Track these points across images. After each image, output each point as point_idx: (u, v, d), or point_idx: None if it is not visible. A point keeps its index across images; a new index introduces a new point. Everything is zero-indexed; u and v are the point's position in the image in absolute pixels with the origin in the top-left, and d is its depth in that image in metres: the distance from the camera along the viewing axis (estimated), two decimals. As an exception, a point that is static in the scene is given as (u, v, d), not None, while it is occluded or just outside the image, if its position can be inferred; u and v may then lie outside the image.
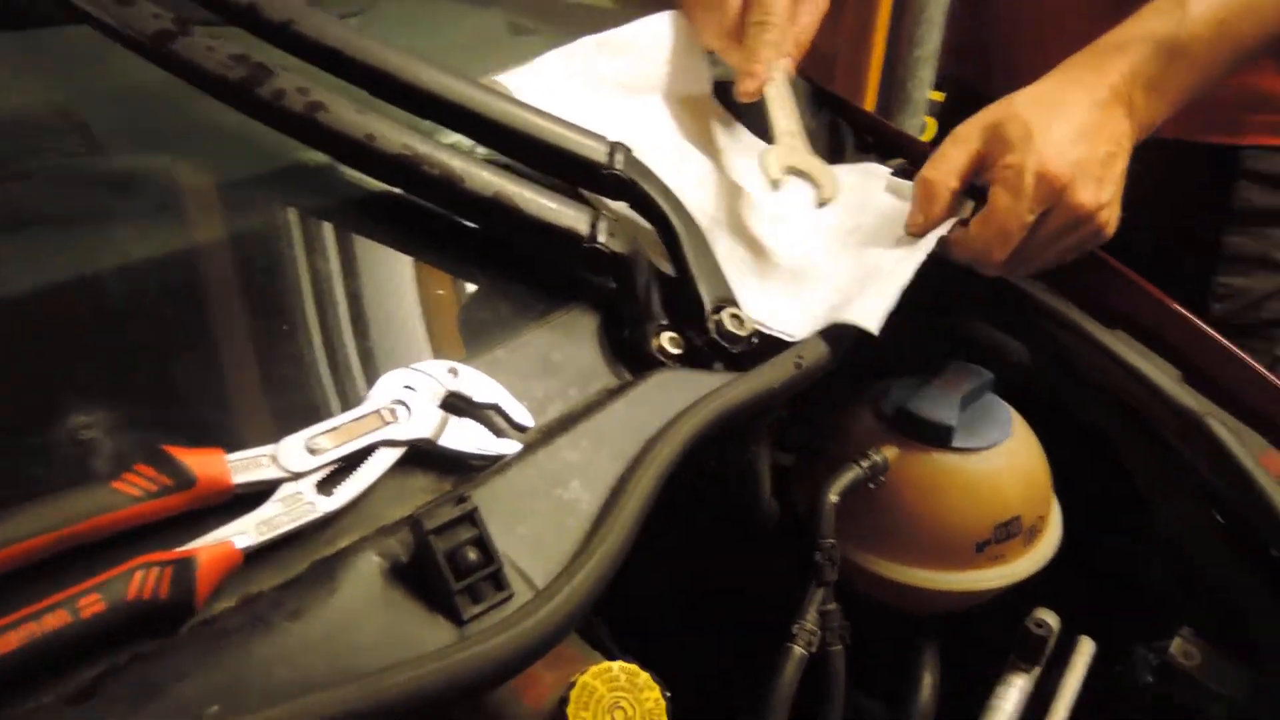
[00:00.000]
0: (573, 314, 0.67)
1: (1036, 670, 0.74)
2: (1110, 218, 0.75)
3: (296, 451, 0.50)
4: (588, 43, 0.85)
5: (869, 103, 1.90)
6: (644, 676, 0.54)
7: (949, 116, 1.31)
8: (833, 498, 0.70)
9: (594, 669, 0.54)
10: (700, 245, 0.71)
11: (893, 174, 0.85)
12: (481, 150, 0.72)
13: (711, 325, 0.67)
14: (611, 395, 0.62)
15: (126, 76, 0.71)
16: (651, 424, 0.59)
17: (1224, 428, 0.73)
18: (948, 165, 0.74)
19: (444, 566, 0.48)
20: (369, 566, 0.48)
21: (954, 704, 0.77)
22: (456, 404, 0.56)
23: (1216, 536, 0.77)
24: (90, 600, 0.42)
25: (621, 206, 0.73)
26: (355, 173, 0.68)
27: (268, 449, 0.50)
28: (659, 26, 0.88)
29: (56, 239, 0.63)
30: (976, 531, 0.73)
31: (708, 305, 0.68)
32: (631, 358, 0.66)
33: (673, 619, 0.84)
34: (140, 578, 0.43)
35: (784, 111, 0.82)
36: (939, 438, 0.73)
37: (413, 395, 0.55)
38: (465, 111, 0.69)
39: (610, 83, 0.84)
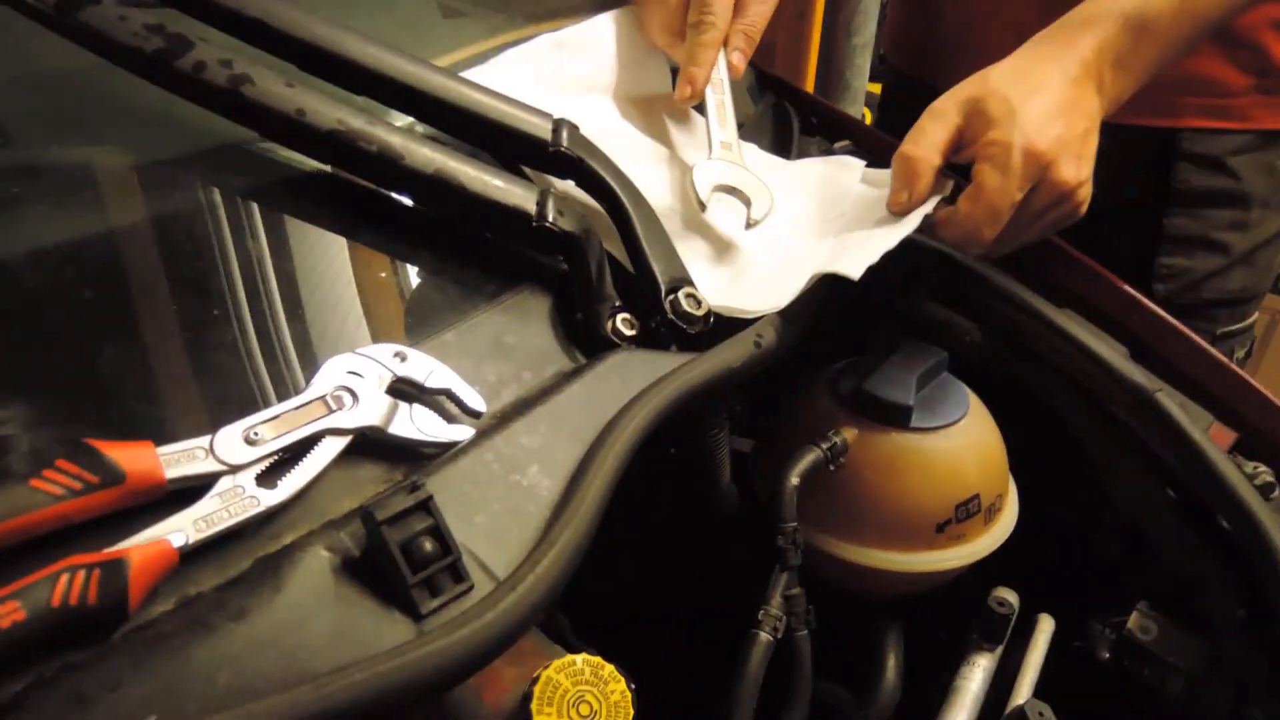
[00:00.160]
0: (524, 295, 0.65)
1: (999, 649, 0.73)
2: (1087, 196, 0.75)
3: (234, 443, 0.47)
4: (544, 41, 0.83)
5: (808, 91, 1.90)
6: (609, 669, 0.53)
7: (888, 107, 1.32)
8: (794, 480, 0.69)
9: (557, 663, 0.52)
10: (653, 224, 0.69)
11: (847, 160, 0.85)
12: (422, 127, 0.69)
13: (667, 306, 0.66)
14: (567, 378, 0.60)
15: (28, 52, 0.66)
16: (610, 406, 0.57)
17: (1174, 403, 0.74)
18: (928, 141, 0.74)
19: (399, 558, 0.45)
20: (317, 562, 0.46)
21: (917, 684, 0.76)
22: (405, 390, 0.54)
23: (1168, 510, 0.77)
24: (9, 609, 0.39)
25: (569, 186, 0.71)
26: (286, 150, 0.65)
27: (202, 440, 0.47)
28: (616, 23, 0.87)
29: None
30: (937, 511, 0.72)
31: (663, 286, 0.66)
32: (585, 339, 0.64)
33: (634, 609, 0.82)
34: (66, 582, 0.40)
35: (720, 119, 0.81)
36: (897, 418, 0.73)
37: (359, 381, 0.52)
38: (401, 86, 0.66)
39: (570, 82, 0.83)
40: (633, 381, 0.59)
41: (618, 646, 0.59)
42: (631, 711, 0.51)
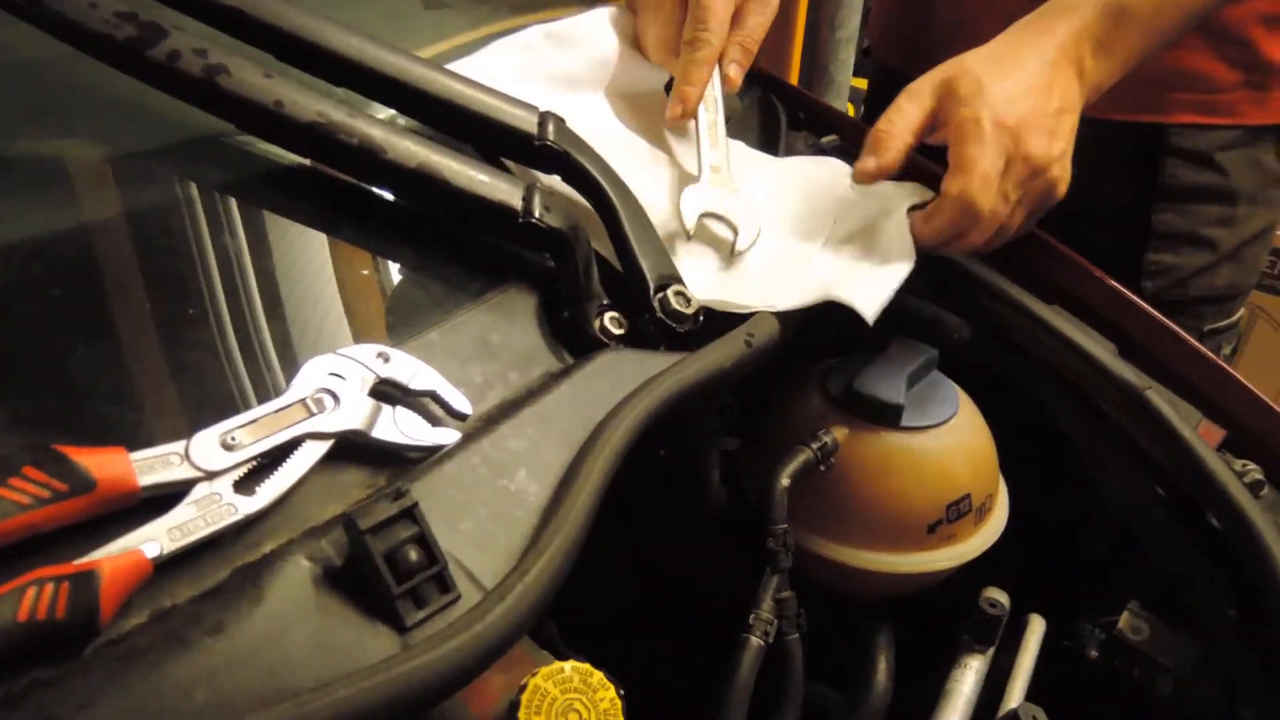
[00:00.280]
0: (509, 294, 0.63)
1: (991, 651, 0.73)
2: (1063, 174, 0.75)
3: (210, 447, 0.46)
4: (535, 32, 0.81)
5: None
6: (597, 676, 0.51)
7: (875, 102, 1.31)
8: (784, 482, 0.68)
9: (545, 670, 0.50)
10: (641, 220, 0.67)
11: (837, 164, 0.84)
12: (404, 120, 0.68)
13: (656, 304, 0.64)
14: (555, 379, 0.59)
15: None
16: (599, 408, 0.56)
17: (1164, 401, 0.73)
18: (902, 119, 0.74)
19: (383, 568, 0.44)
20: (298, 572, 0.44)
21: (908, 685, 0.75)
22: (388, 392, 0.52)
23: (1157, 507, 0.77)
24: (-27, 624, 0.37)
25: (555, 181, 0.69)
26: (264, 144, 0.63)
27: (177, 446, 0.45)
28: (612, 20, 0.85)
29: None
30: (928, 511, 0.72)
31: (651, 283, 0.65)
32: (573, 339, 0.63)
33: (623, 611, 0.81)
34: (33, 595, 0.38)
35: (711, 140, 0.79)
36: (888, 417, 0.72)
37: (340, 383, 0.51)
38: (382, 77, 0.64)
39: (560, 77, 0.81)
40: (622, 382, 0.58)
41: (606, 649, 0.57)
42: (621, 719, 0.50)
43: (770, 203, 0.79)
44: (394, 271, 0.67)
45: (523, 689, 0.49)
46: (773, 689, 0.68)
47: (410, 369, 0.53)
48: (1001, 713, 0.68)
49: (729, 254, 0.73)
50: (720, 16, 0.79)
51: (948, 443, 0.73)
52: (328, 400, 0.50)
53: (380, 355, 0.53)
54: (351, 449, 0.49)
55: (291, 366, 0.51)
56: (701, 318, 0.66)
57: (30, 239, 0.55)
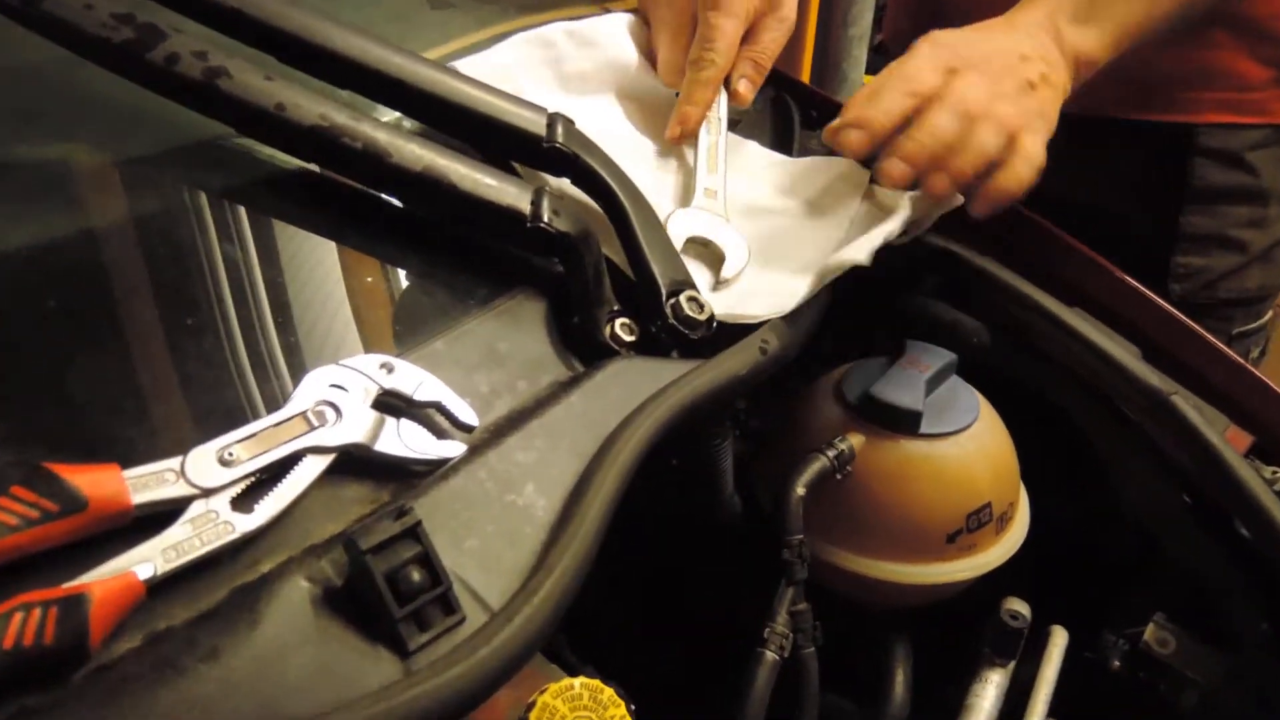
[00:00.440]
0: (517, 300, 0.62)
1: (1012, 664, 0.71)
2: (1031, 147, 0.73)
3: (207, 464, 0.44)
4: (557, 29, 0.80)
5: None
6: (608, 692, 0.50)
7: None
8: (799, 491, 0.66)
9: (554, 687, 0.49)
10: (652, 223, 0.66)
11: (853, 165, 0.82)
12: (409, 123, 0.66)
13: (669, 310, 0.63)
14: (564, 388, 0.57)
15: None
16: (610, 418, 0.54)
17: (1190, 406, 0.72)
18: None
19: (384, 590, 0.43)
20: (297, 593, 0.43)
21: (926, 697, 0.74)
22: (392, 403, 0.51)
23: (1183, 515, 0.75)
24: (-42, 651, 0.35)
25: (564, 184, 0.68)
26: (265, 148, 0.62)
27: (173, 462, 0.44)
28: (629, 26, 0.84)
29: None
30: (947, 521, 0.70)
31: (664, 289, 0.63)
32: (583, 346, 0.61)
33: (633, 625, 0.79)
34: (20, 621, 0.37)
35: (709, 163, 0.77)
36: (906, 424, 0.70)
37: (342, 395, 0.49)
38: (386, 79, 0.63)
39: (574, 75, 0.79)
40: (634, 391, 0.56)
41: (616, 661, 0.56)
42: (632, 736, 0.49)
43: (785, 203, 0.77)
44: (398, 278, 0.65)
45: (531, 706, 0.48)
46: (788, 702, 0.66)
47: (415, 379, 0.52)
48: (1026, 730, 0.66)
49: (714, 279, 0.71)
50: (729, 36, 0.78)
51: (968, 450, 0.71)
52: (329, 413, 0.48)
53: (383, 365, 0.51)
54: (353, 463, 0.48)
55: (292, 378, 0.50)
56: (715, 324, 0.64)
57: (25, 247, 0.53)
